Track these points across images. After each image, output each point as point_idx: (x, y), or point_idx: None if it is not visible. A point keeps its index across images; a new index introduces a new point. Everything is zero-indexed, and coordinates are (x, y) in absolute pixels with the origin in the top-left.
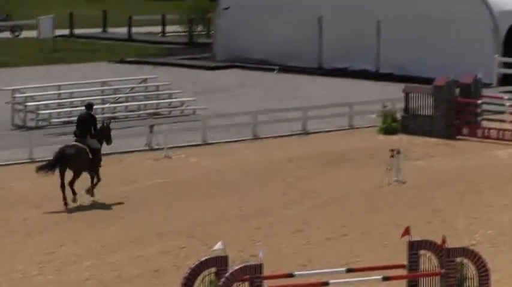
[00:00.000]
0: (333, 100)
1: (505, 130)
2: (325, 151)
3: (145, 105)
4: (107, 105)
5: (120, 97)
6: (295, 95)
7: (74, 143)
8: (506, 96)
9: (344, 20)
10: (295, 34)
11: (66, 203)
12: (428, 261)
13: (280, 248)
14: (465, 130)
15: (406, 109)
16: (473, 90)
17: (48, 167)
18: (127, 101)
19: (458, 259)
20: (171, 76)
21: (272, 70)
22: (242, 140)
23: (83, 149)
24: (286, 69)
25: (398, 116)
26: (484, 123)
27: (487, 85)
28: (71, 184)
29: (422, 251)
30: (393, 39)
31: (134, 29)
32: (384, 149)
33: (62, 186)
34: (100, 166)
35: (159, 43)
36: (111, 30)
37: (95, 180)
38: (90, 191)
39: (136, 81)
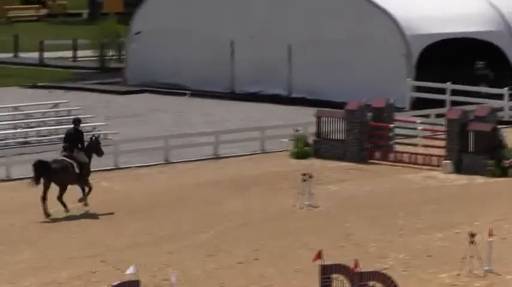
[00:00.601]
0: (245, 125)
1: (417, 154)
2: (237, 176)
3: (56, 130)
4: (18, 130)
5: (31, 122)
6: (207, 119)
7: (62, 157)
8: (418, 120)
9: (256, 44)
10: (207, 58)
11: (47, 215)
12: (340, 285)
13: (192, 272)
14: (377, 154)
15: (318, 133)
16: (385, 114)
17: (33, 179)
18: (39, 126)
19: (371, 283)
20: (83, 101)
21: (184, 95)
22: (154, 164)
23: (70, 164)
24: (198, 93)
25: (311, 140)
26: (397, 147)
27: (400, 109)
28: (59, 198)
29: (334, 275)
30: (305, 63)
31: (46, 54)
32: (296, 174)
33: (43, 198)
34: (88, 176)
35: (71, 68)
36: (23, 55)
37: (86, 189)
38: (82, 199)
39: (48, 106)
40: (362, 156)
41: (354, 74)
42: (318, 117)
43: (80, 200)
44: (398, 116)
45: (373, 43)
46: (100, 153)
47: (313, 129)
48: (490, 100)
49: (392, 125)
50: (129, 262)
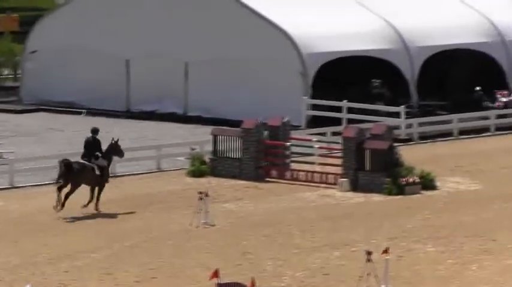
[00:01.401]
0: (141, 143)
1: (313, 172)
2: (134, 194)
3: None
4: None
5: None
6: (103, 138)
7: (81, 161)
8: (314, 138)
9: (152, 62)
10: (102, 77)
11: (62, 205)
12: None
13: None
14: (274, 172)
15: (214, 152)
16: (281, 133)
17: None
18: None
19: None
20: None
21: (80, 113)
22: (50, 183)
23: (89, 166)
24: (94, 112)
25: (207, 158)
26: (293, 166)
27: (296, 127)
28: (66, 196)
29: None
30: (202, 82)
31: None
32: (193, 192)
33: (59, 188)
34: (107, 182)
35: None
36: None
37: (89, 198)
38: (96, 205)
39: None
40: (258, 174)
41: (251, 92)
42: (214, 136)
43: (96, 207)
44: (294, 134)
45: (270, 61)
46: (121, 154)
47: (209, 147)
48: (387, 118)
49: (288, 144)
50: (25, 280)
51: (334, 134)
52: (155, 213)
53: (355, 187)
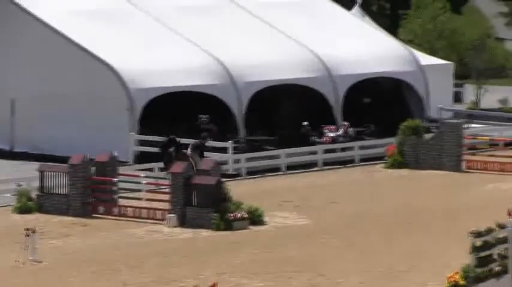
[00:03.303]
0: None
1: (141, 208)
2: None
3: None
4: None
5: None
6: None
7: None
8: (142, 174)
9: None
10: None
11: None
12: None
13: None
14: (101, 208)
15: (41, 188)
16: (109, 168)
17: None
18: None
19: None
20: None
21: None
22: None
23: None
24: None
25: (34, 195)
26: (121, 202)
27: (124, 163)
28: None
29: None
30: (29, 118)
31: None
32: (19, 229)
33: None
34: None
35: None
36: None
37: None
38: None
39: None
40: (85, 210)
41: (79, 128)
42: (41, 172)
43: None
44: (122, 170)
45: (97, 97)
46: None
47: (36, 183)
48: (214, 153)
49: (115, 179)
50: None
51: (162, 169)
52: None
53: (183, 222)
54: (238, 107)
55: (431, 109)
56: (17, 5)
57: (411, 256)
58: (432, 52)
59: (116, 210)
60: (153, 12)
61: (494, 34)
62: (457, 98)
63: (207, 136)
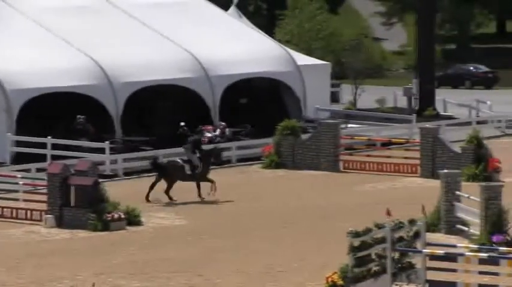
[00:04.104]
0: None
1: (18, 209)
2: None
3: None
4: None
5: None
6: None
7: (174, 159)
8: (19, 175)
9: None
10: None
11: (148, 200)
12: None
13: None
14: None
15: None
16: None
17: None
18: None
19: None
20: None
21: None
22: None
23: (178, 164)
24: None
25: None
26: None
27: (1, 164)
28: (166, 192)
29: None
30: None
31: None
32: None
33: (151, 187)
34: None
35: None
36: None
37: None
38: (201, 195)
39: None
40: None
41: None
42: None
43: (200, 196)
44: None
45: None
46: (219, 159)
47: None
48: (91, 154)
49: None
50: None
51: (39, 170)
52: None
53: (61, 223)
54: (115, 108)
55: (308, 109)
56: None
57: (291, 257)
58: (309, 52)
59: None
60: (31, 13)
61: (371, 34)
62: (334, 98)
63: (200, 131)
